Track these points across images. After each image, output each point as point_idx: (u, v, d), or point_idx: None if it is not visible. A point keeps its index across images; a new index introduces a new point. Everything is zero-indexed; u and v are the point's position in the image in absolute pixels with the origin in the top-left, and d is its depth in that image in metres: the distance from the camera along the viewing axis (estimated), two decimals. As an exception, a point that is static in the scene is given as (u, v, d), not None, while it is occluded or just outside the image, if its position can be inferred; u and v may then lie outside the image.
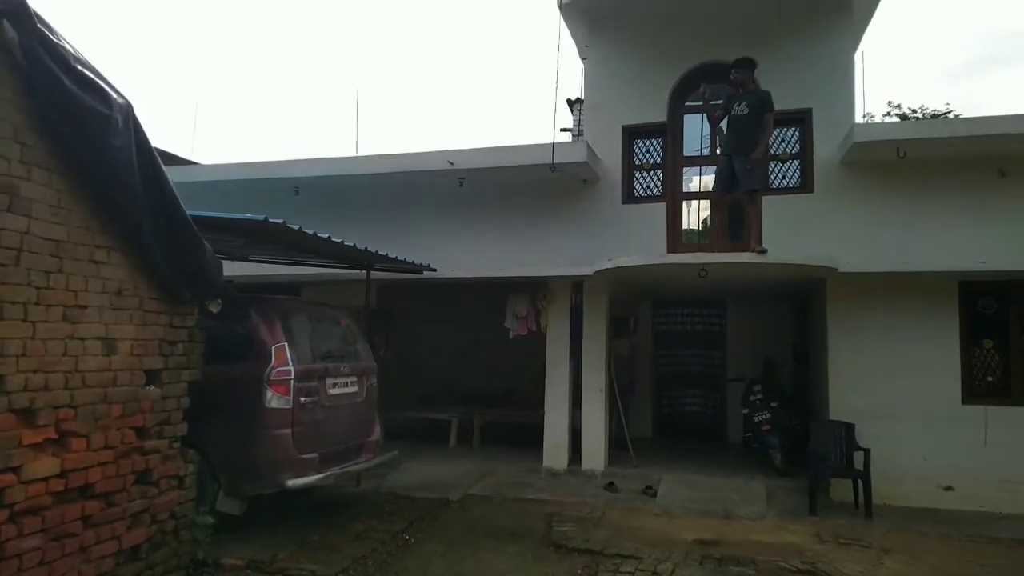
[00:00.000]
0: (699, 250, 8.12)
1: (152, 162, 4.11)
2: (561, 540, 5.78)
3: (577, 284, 8.63)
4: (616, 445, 8.82)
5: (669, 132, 8.60)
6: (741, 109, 7.19)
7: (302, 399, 5.71)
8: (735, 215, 8.09)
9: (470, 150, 8.42)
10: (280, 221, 5.24)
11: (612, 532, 6.08)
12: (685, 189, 8.68)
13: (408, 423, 9.96)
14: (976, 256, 7.06)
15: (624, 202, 8.56)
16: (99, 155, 3.80)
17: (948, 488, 7.21)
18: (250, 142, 54.68)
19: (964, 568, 5.44)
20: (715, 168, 7.66)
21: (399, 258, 7.50)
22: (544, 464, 8.51)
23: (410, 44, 70.70)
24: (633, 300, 11.00)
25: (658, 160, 8.65)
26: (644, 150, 8.77)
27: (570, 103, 15.55)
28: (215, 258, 4.74)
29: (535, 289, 8.85)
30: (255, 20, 65.72)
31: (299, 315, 6.27)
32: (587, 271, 8.02)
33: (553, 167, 7.85)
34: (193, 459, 4.72)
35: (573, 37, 9.39)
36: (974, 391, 7.40)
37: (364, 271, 8.08)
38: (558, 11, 8.63)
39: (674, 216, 8.35)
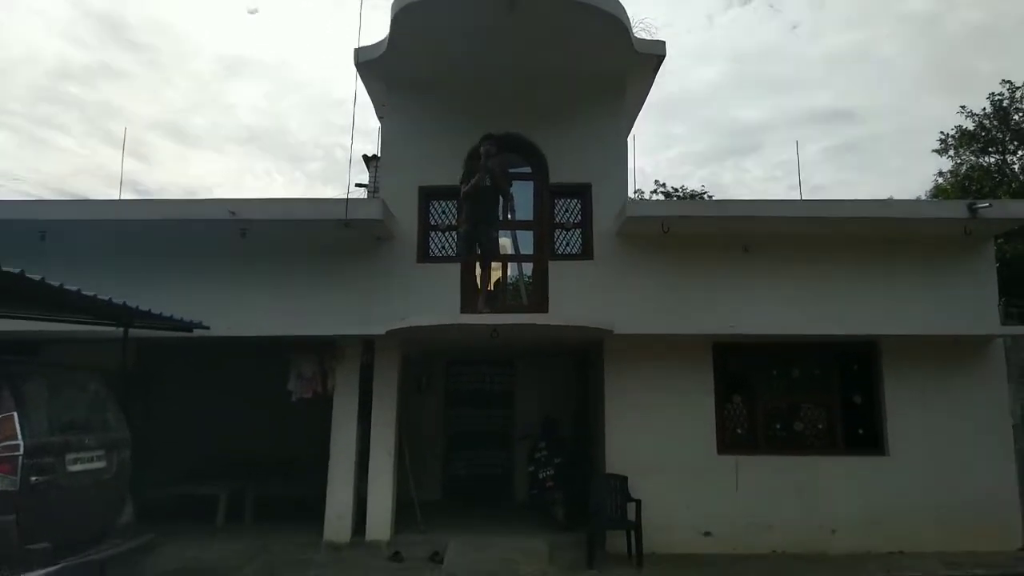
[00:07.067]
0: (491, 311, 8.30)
1: None
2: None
3: (369, 343, 8.38)
4: (405, 510, 8.56)
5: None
6: (484, 181, 7.66)
7: (33, 479, 4.85)
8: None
9: (256, 200, 7.97)
10: (17, 270, 4.49)
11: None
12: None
13: (172, 500, 8.84)
14: (727, 321, 8.00)
15: (419, 261, 8.55)
16: None
17: (707, 534, 7.88)
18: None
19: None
20: (459, 234, 8.05)
21: (164, 314, 6.72)
22: (325, 538, 7.93)
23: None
24: (427, 359, 10.94)
25: (453, 221, 8.73)
26: (440, 211, 8.87)
27: (367, 159, 15.45)
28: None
29: (323, 349, 8.43)
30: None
31: (35, 379, 5.36)
32: (379, 330, 7.83)
33: (347, 223, 7.68)
34: None
35: (370, 95, 9.38)
36: (727, 442, 8.25)
37: (121, 328, 7.13)
38: (355, 68, 8.61)
39: (468, 277, 8.47)
